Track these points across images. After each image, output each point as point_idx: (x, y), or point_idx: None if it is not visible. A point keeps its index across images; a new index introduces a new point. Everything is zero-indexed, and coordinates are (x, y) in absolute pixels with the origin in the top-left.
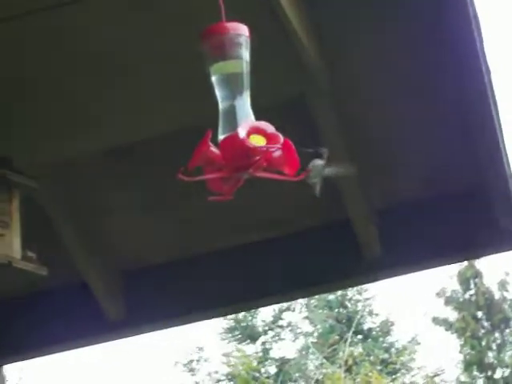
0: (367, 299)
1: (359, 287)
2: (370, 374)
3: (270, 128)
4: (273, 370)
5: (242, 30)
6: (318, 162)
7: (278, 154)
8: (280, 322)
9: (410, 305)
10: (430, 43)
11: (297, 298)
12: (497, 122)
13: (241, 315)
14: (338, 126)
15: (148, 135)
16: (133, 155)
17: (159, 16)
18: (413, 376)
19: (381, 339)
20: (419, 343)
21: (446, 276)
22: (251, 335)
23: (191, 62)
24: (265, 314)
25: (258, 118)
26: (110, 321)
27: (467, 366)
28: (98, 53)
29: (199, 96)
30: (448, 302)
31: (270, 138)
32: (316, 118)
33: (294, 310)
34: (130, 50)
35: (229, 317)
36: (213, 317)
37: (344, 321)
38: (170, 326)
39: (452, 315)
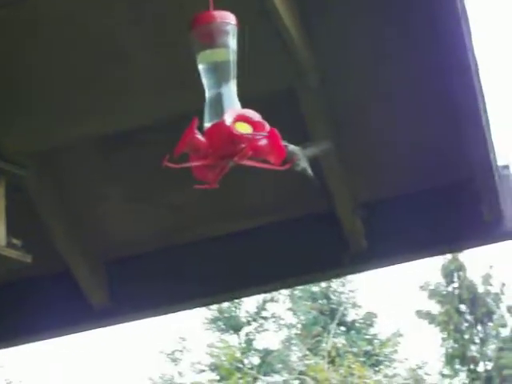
0: (351, 291)
1: (343, 279)
2: (352, 365)
3: (256, 116)
4: (256, 360)
5: (229, 19)
6: (294, 148)
7: (263, 142)
8: (263, 313)
9: (393, 297)
10: (419, 39)
11: (281, 289)
12: (484, 117)
13: (224, 306)
14: (325, 119)
15: (136, 124)
16: (119, 144)
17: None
18: (395, 368)
19: (364, 331)
20: (402, 335)
21: (429, 269)
22: (234, 326)
23: (181, 50)
24: (248, 304)
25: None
26: (94, 309)
27: (450, 359)
28: (86, 40)
29: (192, 83)
30: (431, 295)
31: (256, 126)
32: (304, 111)
33: (277, 301)
34: (118, 37)
35: (212, 307)
36: (196, 306)
37: (327, 312)
38: (154, 315)
39: (435, 308)
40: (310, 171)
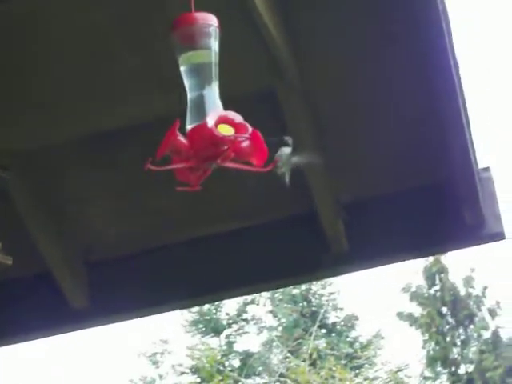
0: (332, 293)
1: (324, 281)
2: (333, 368)
3: (238, 118)
4: (237, 363)
5: (211, 20)
6: (286, 150)
7: (246, 144)
8: (244, 316)
9: (374, 299)
10: (402, 39)
11: (262, 291)
12: (465, 118)
13: (205, 308)
14: (307, 120)
15: (119, 124)
16: (100, 144)
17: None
18: (376, 371)
19: (345, 333)
20: (383, 338)
21: (411, 271)
22: (215, 328)
23: (164, 51)
24: (229, 307)
25: (227, 109)
26: (74, 311)
27: (431, 361)
28: (73, 38)
29: (174, 85)
30: (413, 297)
31: (238, 127)
32: (285, 111)
33: (258, 304)
34: (103, 36)
35: (193, 310)
36: (177, 309)
37: (308, 315)
38: (135, 317)
39: (417, 310)
40: (287, 179)
